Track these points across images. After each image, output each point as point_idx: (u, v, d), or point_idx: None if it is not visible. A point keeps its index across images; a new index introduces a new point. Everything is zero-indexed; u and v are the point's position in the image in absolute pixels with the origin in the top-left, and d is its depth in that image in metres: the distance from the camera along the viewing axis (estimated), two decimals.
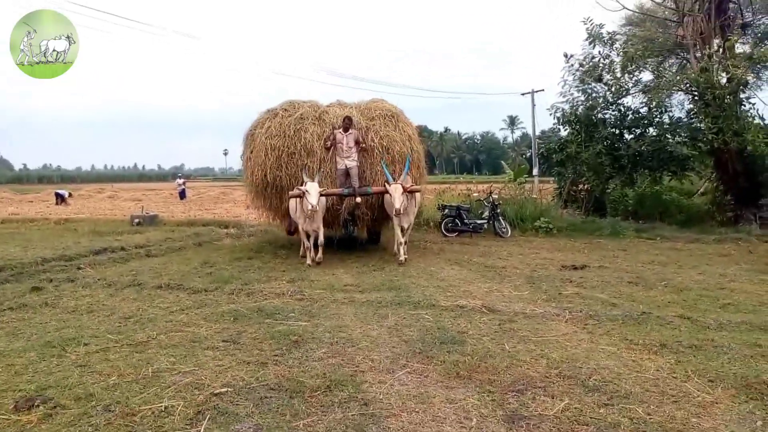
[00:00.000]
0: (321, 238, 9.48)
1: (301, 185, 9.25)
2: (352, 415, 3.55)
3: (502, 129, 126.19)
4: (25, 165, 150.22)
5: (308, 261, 9.40)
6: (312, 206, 8.80)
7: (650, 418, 3.46)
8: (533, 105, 29.25)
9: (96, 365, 4.48)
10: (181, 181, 35.53)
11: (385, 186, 9.67)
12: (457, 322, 5.71)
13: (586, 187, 15.95)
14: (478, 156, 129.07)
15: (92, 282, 8.02)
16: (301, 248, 10.10)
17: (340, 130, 10.03)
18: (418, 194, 10.11)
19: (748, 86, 14.19)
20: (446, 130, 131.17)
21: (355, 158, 10.08)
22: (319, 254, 9.42)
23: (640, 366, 4.38)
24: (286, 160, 10.14)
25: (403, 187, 9.28)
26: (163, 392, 3.91)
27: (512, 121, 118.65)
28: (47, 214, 20.57)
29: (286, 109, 10.72)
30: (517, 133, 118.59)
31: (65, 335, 5.33)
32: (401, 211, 9.19)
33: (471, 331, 5.42)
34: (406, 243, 9.69)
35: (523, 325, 5.62)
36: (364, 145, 10.19)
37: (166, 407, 3.66)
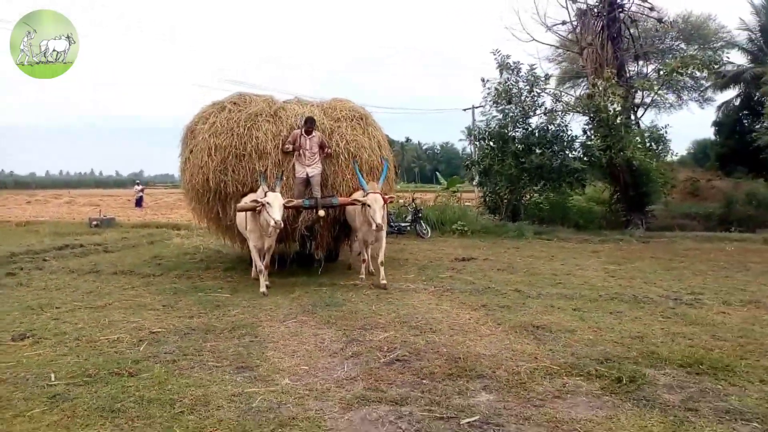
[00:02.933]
0: (267, 259, 8.16)
1: (258, 193, 7.88)
2: (244, 342, 5.33)
3: (460, 140, 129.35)
4: None
5: (262, 288, 7.65)
6: (276, 223, 7.21)
7: (440, 341, 5.34)
8: (473, 120, 31.55)
9: (66, 319, 6.14)
10: (139, 187, 34.49)
11: (356, 195, 8.40)
12: (347, 295, 7.52)
13: (504, 195, 18.06)
14: (437, 166, 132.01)
15: (57, 269, 9.56)
16: (252, 270, 8.59)
17: (302, 131, 8.56)
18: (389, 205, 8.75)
19: (640, 107, 16.55)
20: (407, 140, 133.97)
21: (319, 165, 8.70)
22: (264, 276, 7.96)
23: (457, 316, 6.28)
24: (233, 163, 8.54)
25: (383, 198, 7.86)
26: (116, 331, 5.63)
27: (469, 132, 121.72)
28: (7, 217, 21.61)
29: (235, 103, 9.15)
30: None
31: (40, 302, 6.95)
32: (382, 227, 7.75)
33: (354, 299, 7.25)
34: (382, 262, 8.19)
35: (395, 295, 7.47)
36: (329, 150, 8.84)
37: (118, 338, 5.39)
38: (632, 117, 16.24)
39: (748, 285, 8.25)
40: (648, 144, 16.12)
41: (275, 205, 7.34)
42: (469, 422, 3.54)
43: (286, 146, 8.68)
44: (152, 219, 21.56)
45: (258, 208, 7.52)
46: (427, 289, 7.85)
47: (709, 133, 33.36)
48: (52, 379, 4.27)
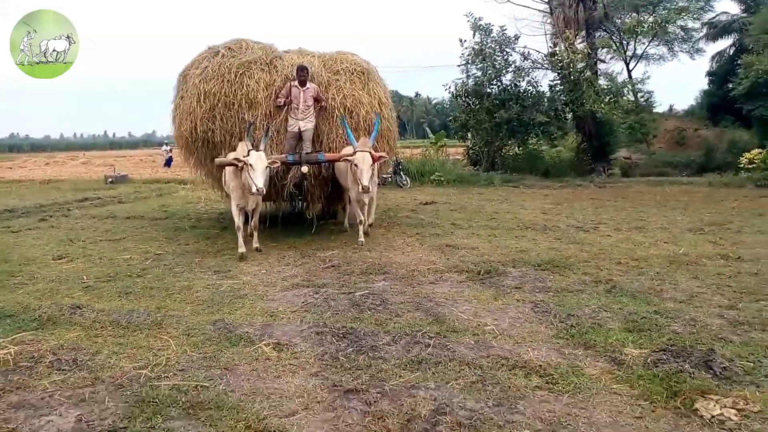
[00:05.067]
0: (256, 219, 7.78)
1: (239, 149, 7.42)
2: (224, 259, 7.13)
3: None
4: None
5: (240, 248, 7.19)
6: (257, 189, 6.68)
7: (370, 255, 7.10)
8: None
9: (91, 247, 8.00)
10: (167, 148, 33.34)
11: (345, 151, 7.99)
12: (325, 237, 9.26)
13: (482, 148, 19.59)
14: (446, 120, 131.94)
15: (80, 216, 11.44)
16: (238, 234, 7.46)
17: (296, 83, 8.14)
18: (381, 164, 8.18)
19: (604, 62, 17.83)
20: (417, 95, 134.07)
21: (313, 119, 8.29)
22: (255, 240, 7.67)
23: (392, 240, 8.05)
24: (221, 111, 8.24)
25: (372, 156, 7.37)
26: (129, 253, 7.48)
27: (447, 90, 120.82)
28: (30, 177, 23.60)
29: (230, 48, 8.77)
30: None
31: (69, 237, 8.82)
32: (369, 189, 7.29)
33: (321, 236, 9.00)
34: (371, 224, 8.31)
35: (352, 229, 9.20)
36: (324, 104, 8.41)
37: (130, 257, 7.24)
38: (596, 72, 17.47)
39: (649, 217, 9.91)
40: (609, 98, 17.46)
41: (258, 168, 6.73)
42: (360, 294, 5.33)
43: (278, 99, 8.24)
44: (162, 176, 23.41)
45: (239, 167, 6.98)
46: (381, 225, 9.59)
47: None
48: (84, 279, 6.11)
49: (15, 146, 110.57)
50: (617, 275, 5.87)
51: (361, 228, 7.96)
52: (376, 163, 7.54)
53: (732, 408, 2.95)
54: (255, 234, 7.69)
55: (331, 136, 8.57)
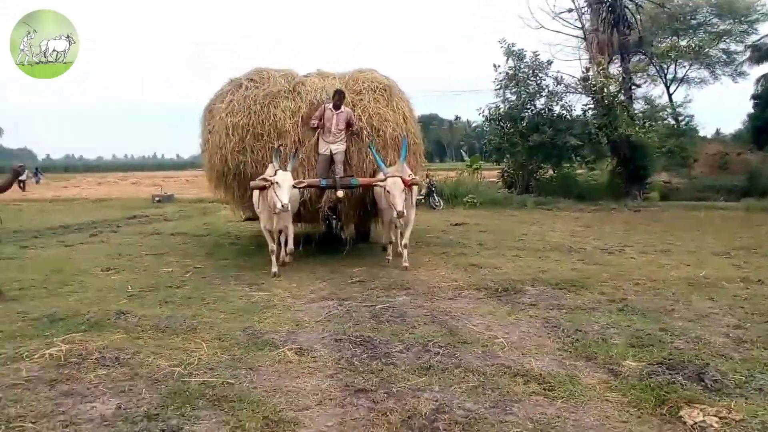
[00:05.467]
0: (291, 243, 7.80)
1: (267, 171, 7.61)
2: (259, 274, 7.55)
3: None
4: (48, 155, 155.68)
5: (273, 268, 7.40)
6: (282, 205, 6.79)
7: (395, 272, 7.41)
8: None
9: (136, 260, 8.58)
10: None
11: (376, 177, 8.04)
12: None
13: (516, 171, 19.75)
14: (483, 143, 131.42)
15: (128, 233, 12.16)
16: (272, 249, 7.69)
17: (330, 106, 8.23)
18: (416, 186, 8.17)
19: (639, 86, 17.86)
20: (457, 118, 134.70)
21: (344, 143, 8.38)
22: (288, 258, 7.94)
23: (425, 262, 8.33)
24: (251, 143, 8.38)
25: (403, 181, 7.29)
26: (171, 266, 8.01)
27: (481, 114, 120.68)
28: (84, 196, 24.90)
29: (252, 80, 8.92)
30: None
31: (118, 251, 9.44)
32: (404, 213, 7.19)
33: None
34: (405, 245, 7.95)
35: (380, 245, 9.50)
36: (357, 128, 8.43)
37: (172, 270, 7.76)
38: (631, 96, 17.50)
39: (678, 240, 9.93)
40: (642, 122, 17.42)
41: (284, 186, 6.89)
42: (381, 307, 5.64)
43: (312, 121, 8.35)
44: (206, 195, 24.31)
45: (266, 187, 7.15)
46: (410, 244, 9.88)
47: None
48: (129, 288, 6.62)
49: (70, 167, 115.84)
50: (632, 295, 6.02)
51: (405, 252, 7.89)
52: (409, 187, 7.49)
53: (715, 416, 3.13)
54: (290, 258, 7.94)
55: (361, 157, 8.60)
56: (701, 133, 34.80)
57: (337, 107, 8.24)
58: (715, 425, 3.06)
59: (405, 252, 7.85)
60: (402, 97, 9.16)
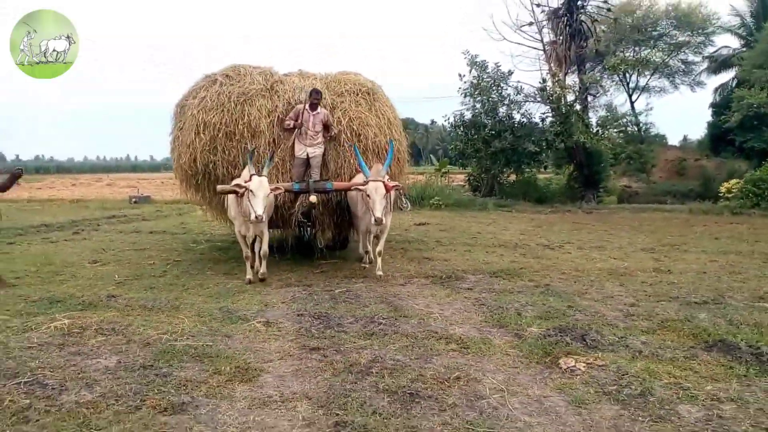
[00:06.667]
0: (265, 246, 7.26)
1: (243, 175, 7.20)
2: (232, 266, 8.38)
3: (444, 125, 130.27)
4: (17, 156, 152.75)
5: (247, 275, 7.14)
6: (257, 216, 6.47)
7: (354, 266, 8.31)
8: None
9: (120, 255, 9.34)
10: None
11: (356, 179, 7.73)
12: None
13: (480, 175, 20.82)
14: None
15: (108, 231, 12.85)
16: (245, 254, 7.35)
17: (306, 106, 7.89)
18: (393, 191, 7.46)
19: (594, 96, 19.11)
20: (432, 122, 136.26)
21: (321, 145, 8.05)
22: (263, 268, 7.28)
23: (384, 255, 9.23)
24: (223, 142, 7.97)
25: (385, 186, 7.01)
26: (152, 259, 8.79)
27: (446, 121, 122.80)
28: (60, 197, 25.27)
29: (228, 76, 8.50)
30: None
31: (101, 247, 10.17)
32: (382, 220, 6.91)
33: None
34: (379, 252, 7.61)
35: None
36: (334, 132, 8.14)
37: (153, 262, 8.56)
38: (587, 105, 18.74)
39: (614, 238, 11.03)
40: (596, 129, 18.66)
41: (259, 194, 6.54)
42: (339, 291, 6.55)
43: (287, 122, 7.96)
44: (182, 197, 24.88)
45: (240, 193, 6.77)
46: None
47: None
48: (116, 277, 7.41)
49: (41, 168, 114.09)
50: (556, 282, 7.02)
51: (378, 260, 7.56)
52: (389, 193, 7.17)
53: (584, 363, 4.11)
54: (264, 263, 7.29)
55: (339, 161, 8.29)
56: (671, 141, 36.62)
57: (313, 107, 7.90)
58: (582, 368, 4.03)
59: (379, 260, 7.53)
60: (385, 101, 8.82)
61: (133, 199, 21.50)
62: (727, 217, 15.08)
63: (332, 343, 4.68)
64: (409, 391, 3.63)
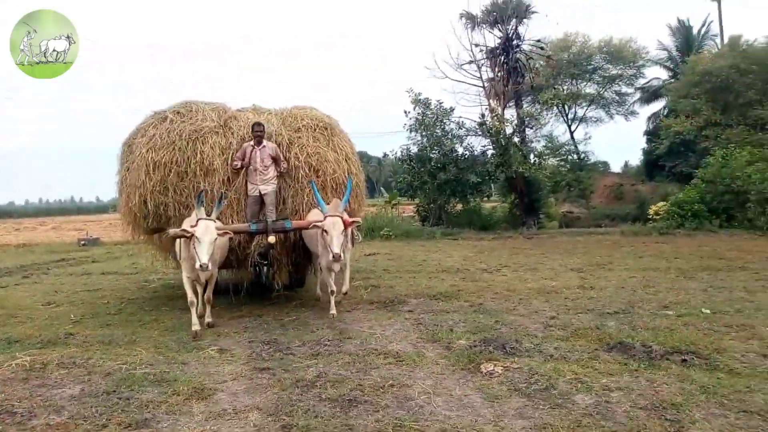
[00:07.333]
0: (209, 291, 7.01)
1: (192, 217, 6.77)
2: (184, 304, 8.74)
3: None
4: None
5: (194, 326, 6.41)
6: (201, 264, 6.09)
7: (311, 294, 8.78)
8: None
9: (74, 296, 9.52)
10: None
11: (311, 215, 7.55)
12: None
13: (428, 206, 21.65)
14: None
15: (59, 274, 12.90)
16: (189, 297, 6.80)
17: (251, 143, 7.69)
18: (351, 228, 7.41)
19: (531, 128, 20.35)
20: (384, 155, 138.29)
21: (274, 181, 7.80)
22: (208, 315, 6.98)
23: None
24: (174, 182, 7.67)
25: (343, 221, 6.87)
26: (107, 299, 9.03)
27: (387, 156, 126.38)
28: (3, 242, 24.73)
29: (179, 112, 8.19)
30: None
31: (53, 289, 10.32)
32: (341, 257, 6.72)
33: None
34: (345, 293, 7.60)
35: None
36: (284, 167, 7.90)
37: (108, 301, 8.80)
38: (524, 138, 19.99)
39: (548, 261, 11.87)
40: (534, 160, 19.85)
41: (204, 240, 6.16)
42: (288, 319, 7.03)
43: (234, 163, 7.76)
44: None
45: (189, 237, 6.39)
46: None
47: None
48: (72, 317, 7.66)
49: None
50: (489, 301, 7.70)
51: (332, 299, 7.26)
52: (348, 229, 7.09)
53: (501, 367, 4.73)
54: (208, 308, 7.00)
55: (297, 199, 8.02)
56: (613, 167, 38.58)
57: (258, 142, 7.66)
58: (500, 371, 4.64)
59: (333, 299, 7.29)
60: (343, 136, 8.65)
61: (82, 242, 21.33)
62: (654, 237, 16.24)
63: (281, 364, 5.16)
64: (348, 398, 4.16)
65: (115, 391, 4.51)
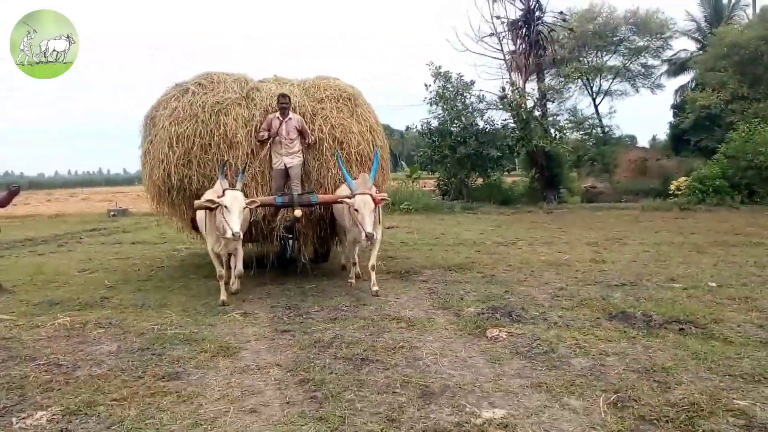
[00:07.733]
0: (240, 265, 6.94)
1: (215, 188, 6.66)
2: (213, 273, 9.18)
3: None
4: None
5: (222, 295, 6.64)
6: (234, 233, 6.12)
7: (330, 264, 9.14)
8: None
9: (106, 264, 10.04)
10: None
11: (341, 190, 7.41)
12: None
13: (449, 180, 21.82)
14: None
15: (92, 243, 13.50)
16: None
17: (277, 114, 7.58)
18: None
19: (553, 101, 20.27)
20: (407, 128, 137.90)
21: (300, 155, 7.70)
22: (237, 284, 7.09)
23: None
24: (198, 155, 7.56)
25: (373, 199, 6.63)
26: (137, 267, 9.52)
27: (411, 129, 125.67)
28: (37, 212, 25.64)
29: (200, 84, 8.03)
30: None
31: (87, 257, 10.86)
32: (374, 235, 6.53)
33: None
34: (373, 266, 7.07)
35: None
36: (310, 140, 7.74)
37: (138, 269, 9.28)
38: (546, 111, 19.95)
39: (564, 234, 12.05)
40: (555, 134, 19.82)
41: (234, 209, 6.17)
42: (309, 287, 7.40)
43: (261, 133, 7.64)
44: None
45: (213, 209, 6.43)
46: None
47: None
48: (106, 282, 8.15)
49: (12, 183, 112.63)
50: (501, 272, 7.97)
51: (372, 274, 7.03)
52: (378, 206, 6.80)
53: (505, 332, 5.02)
54: (237, 281, 7.10)
55: (321, 171, 7.92)
56: (641, 141, 38.11)
57: (283, 114, 7.55)
58: (504, 336, 4.94)
59: (373, 274, 7.01)
60: (367, 107, 8.42)
61: (112, 213, 22.05)
62: (674, 213, 16.27)
63: (300, 326, 5.52)
64: (361, 357, 4.50)
65: (148, 348, 4.92)
